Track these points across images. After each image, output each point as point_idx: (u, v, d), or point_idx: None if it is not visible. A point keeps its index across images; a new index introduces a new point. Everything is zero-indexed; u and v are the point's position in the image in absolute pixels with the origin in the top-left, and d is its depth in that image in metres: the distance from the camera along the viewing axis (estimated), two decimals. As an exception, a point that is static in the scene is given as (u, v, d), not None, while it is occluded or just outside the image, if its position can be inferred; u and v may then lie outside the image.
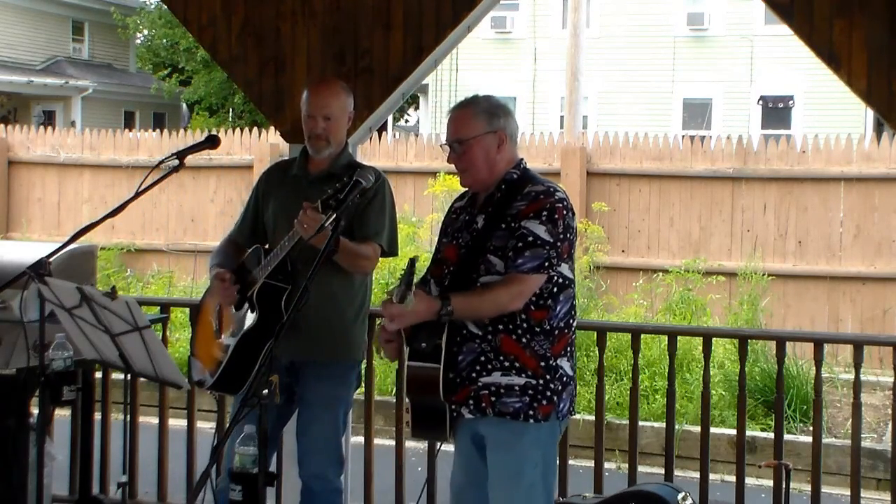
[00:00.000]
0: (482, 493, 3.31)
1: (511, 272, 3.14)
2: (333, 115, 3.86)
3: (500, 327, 3.17)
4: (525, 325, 3.17)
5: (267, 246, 3.88)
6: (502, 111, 3.30)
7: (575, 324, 3.31)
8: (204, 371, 3.87)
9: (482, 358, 3.18)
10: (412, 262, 3.09)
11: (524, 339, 3.17)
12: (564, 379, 3.23)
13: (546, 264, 3.14)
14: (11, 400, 4.21)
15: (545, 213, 3.15)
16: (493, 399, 3.17)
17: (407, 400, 3.29)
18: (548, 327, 3.19)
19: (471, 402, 3.19)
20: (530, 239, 3.13)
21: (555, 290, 3.20)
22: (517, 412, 3.17)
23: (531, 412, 3.17)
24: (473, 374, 3.19)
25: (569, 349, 3.27)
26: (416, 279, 3.13)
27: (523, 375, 3.17)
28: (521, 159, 3.34)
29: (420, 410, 3.26)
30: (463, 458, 3.38)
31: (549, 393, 3.18)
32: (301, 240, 3.53)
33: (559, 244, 3.16)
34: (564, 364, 3.23)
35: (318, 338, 3.79)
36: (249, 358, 3.63)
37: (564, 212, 3.19)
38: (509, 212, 3.19)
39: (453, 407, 3.21)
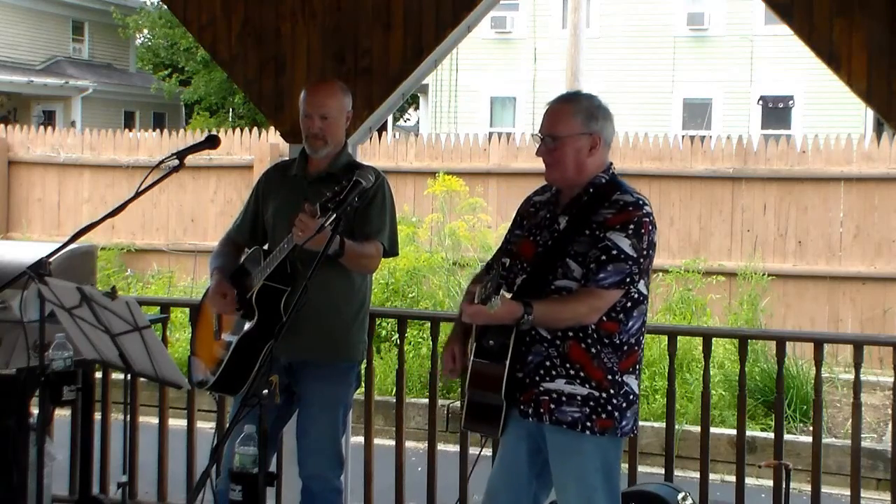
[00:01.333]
0: (517, 496, 3.29)
1: (591, 285, 3.08)
2: (330, 114, 3.85)
3: (570, 334, 3.12)
4: (595, 335, 3.12)
5: (266, 247, 3.88)
6: (601, 113, 3.21)
7: (644, 340, 3.26)
8: (205, 371, 3.87)
9: (547, 363, 3.14)
10: (503, 265, 3.10)
11: (593, 350, 3.12)
12: (630, 397, 3.17)
13: (627, 280, 3.10)
14: (11, 400, 4.21)
15: (632, 226, 3.09)
16: (552, 406, 3.13)
17: (467, 392, 3.26)
18: (617, 341, 3.14)
19: (532, 404, 3.16)
20: (614, 252, 3.07)
21: (629, 304, 3.15)
22: (575, 422, 3.12)
23: (589, 424, 3.12)
24: (537, 378, 3.15)
25: (637, 366, 3.21)
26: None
27: (587, 386, 3.12)
28: (611, 164, 3.27)
29: (476, 405, 3.25)
30: (506, 460, 3.34)
31: (609, 408, 3.13)
32: None
33: (642, 260, 3.11)
34: (631, 381, 3.18)
35: (318, 338, 3.79)
36: (249, 359, 3.63)
37: (650, 227, 3.13)
38: (595, 218, 3.13)
39: (515, 406, 3.19)
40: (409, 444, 5.19)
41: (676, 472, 4.71)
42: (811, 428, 4.74)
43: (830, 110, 18.09)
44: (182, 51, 24.44)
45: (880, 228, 10.20)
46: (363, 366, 4.27)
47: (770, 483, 4.67)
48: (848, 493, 4.59)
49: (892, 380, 4.55)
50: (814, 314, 10.22)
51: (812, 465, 4.48)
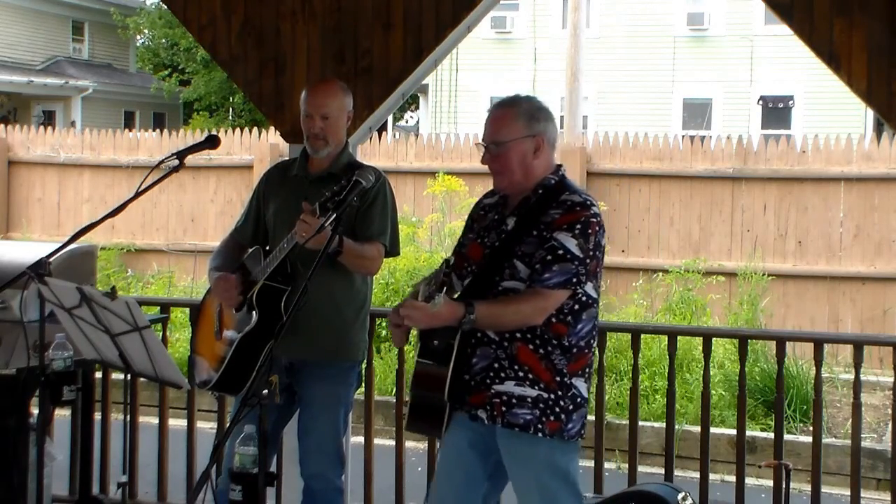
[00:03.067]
0: (464, 495, 3.27)
1: (536, 286, 3.06)
2: (331, 114, 3.85)
3: (518, 336, 3.10)
4: (544, 336, 3.10)
5: (268, 247, 3.88)
6: (543, 115, 3.20)
7: (595, 344, 3.24)
8: (208, 370, 3.86)
9: (496, 365, 3.12)
10: (447, 262, 3.03)
11: (541, 351, 3.10)
12: (578, 400, 3.15)
13: (573, 280, 3.06)
14: (11, 400, 4.21)
15: (579, 226, 3.07)
16: (503, 409, 3.11)
17: (411, 393, 3.24)
18: (566, 343, 3.12)
19: (487, 407, 3.14)
20: (560, 252, 3.05)
21: (577, 307, 3.12)
22: (527, 424, 3.10)
23: (539, 426, 3.10)
24: (487, 381, 3.13)
25: (587, 370, 3.18)
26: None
27: (536, 388, 3.10)
28: (560, 165, 3.26)
29: (420, 406, 3.22)
30: (451, 462, 3.30)
31: (557, 409, 3.11)
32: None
33: (588, 261, 3.08)
34: (580, 384, 3.15)
35: (318, 338, 3.79)
36: (249, 359, 3.63)
37: (597, 228, 3.11)
38: (543, 219, 3.10)
39: (465, 409, 3.17)
40: (409, 444, 5.19)
41: (676, 472, 4.71)
42: (811, 428, 4.74)
43: (830, 110, 18.09)
44: (182, 51, 24.45)
45: (880, 228, 10.20)
46: (363, 366, 4.26)
47: (770, 483, 4.67)
48: (848, 493, 4.59)
49: (892, 380, 4.56)
50: (814, 314, 10.22)
51: (812, 465, 4.49)
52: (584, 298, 3.13)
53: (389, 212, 3.87)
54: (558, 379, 3.11)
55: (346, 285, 3.85)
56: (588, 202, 3.13)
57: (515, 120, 3.17)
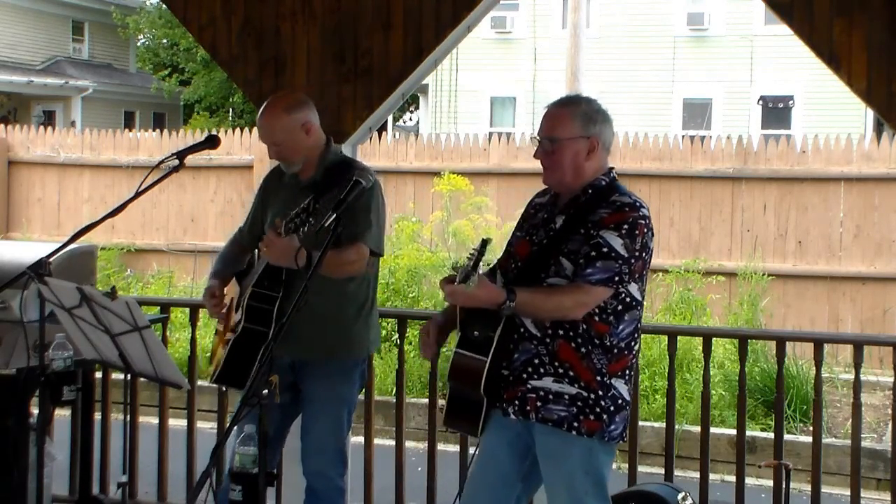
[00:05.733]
0: (497, 494, 3.27)
1: (578, 280, 3.06)
2: (278, 138, 3.77)
3: (560, 332, 3.10)
4: (585, 334, 3.09)
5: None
6: (600, 117, 3.21)
7: (637, 347, 3.22)
8: (217, 363, 3.86)
9: (536, 360, 3.12)
10: (484, 242, 3.02)
11: (583, 350, 3.09)
12: (619, 401, 3.13)
13: (616, 279, 3.05)
14: (11, 400, 4.21)
15: (626, 226, 3.07)
16: (538, 404, 3.11)
17: (448, 386, 3.23)
18: (608, 343, 3.10)
19: (517, 402, 3.14)
20: (605, 250, 3.05)
21: (619, 307, 3.11)
22: (561, 421, 3.09)
23: (576, 424, 3.08)
24: (524, 376, 3.12)
25: (628, 372, 3.17)
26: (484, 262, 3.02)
27: (576, 385, 3.09)
28: (612, 168, 3.27)
29: (457, 400, 3.21)
30: (487, 461, 3.30)
31: (598, 409, 3.09)
32: None
33: (633, 261, 3.07)
34: (620, 385, 3.13)
35: (320, 337, 3.78)
36: (250, 355, 3.62)
37: (645, 230, 3.10)
38: (591, 217, 3.11)
39: (498, 405, 3.16)
40: (409, 444, 5.19)
41: (676, 472, 4.70)
42: (811, 428, 4.74)
43: (830, 110, 18.09)
44: (182, 51, 24.47)
45: (880, 228, 10.20)
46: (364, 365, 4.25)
47: (770, 483, 4.67)
48: (848, 493, 4.58)
49: (892, 380, 4.55)
50: (814, 314, 10.23)
51: (812, 465, 4.48)
52: (627, 299, 3.12)
53: (374, 211, 3.78)
54: (599, 379, 3.10)
55: (345, 283, 3.83)
56: (637, 204, 3.15)
57: (572, 119, 3.19)
